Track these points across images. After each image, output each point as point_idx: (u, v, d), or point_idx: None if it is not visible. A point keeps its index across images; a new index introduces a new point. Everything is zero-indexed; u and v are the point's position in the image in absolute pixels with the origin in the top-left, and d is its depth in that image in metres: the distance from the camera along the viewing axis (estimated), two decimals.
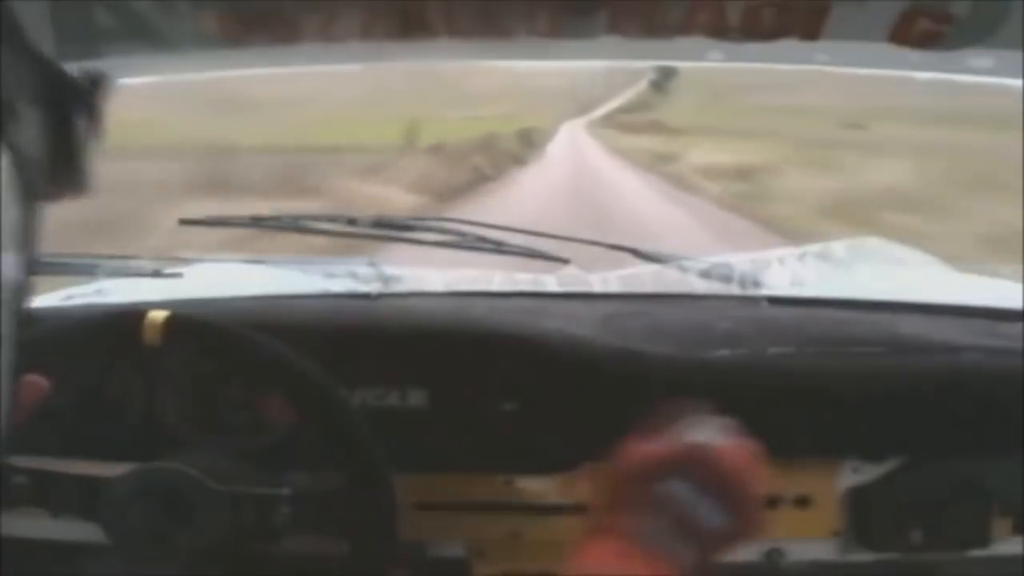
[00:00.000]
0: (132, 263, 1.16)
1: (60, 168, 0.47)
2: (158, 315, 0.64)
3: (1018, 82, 0.71)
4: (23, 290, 0.43)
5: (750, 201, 9.72)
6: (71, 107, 0.48)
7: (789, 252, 1.25)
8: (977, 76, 0.71)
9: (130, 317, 0.65)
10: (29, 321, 0.43)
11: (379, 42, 0.68)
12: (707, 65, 0.75)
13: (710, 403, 0.67)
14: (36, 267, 0.44)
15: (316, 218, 1.20)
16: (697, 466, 0.61)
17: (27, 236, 0.42)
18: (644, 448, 0.64)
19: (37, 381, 0.68)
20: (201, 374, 0.91)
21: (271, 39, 0.66)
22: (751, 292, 1.12)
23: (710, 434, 0.64)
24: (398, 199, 9.39)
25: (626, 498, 0.61)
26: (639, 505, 0.60)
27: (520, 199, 10.47)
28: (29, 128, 0.43)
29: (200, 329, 0.67)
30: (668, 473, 0.61)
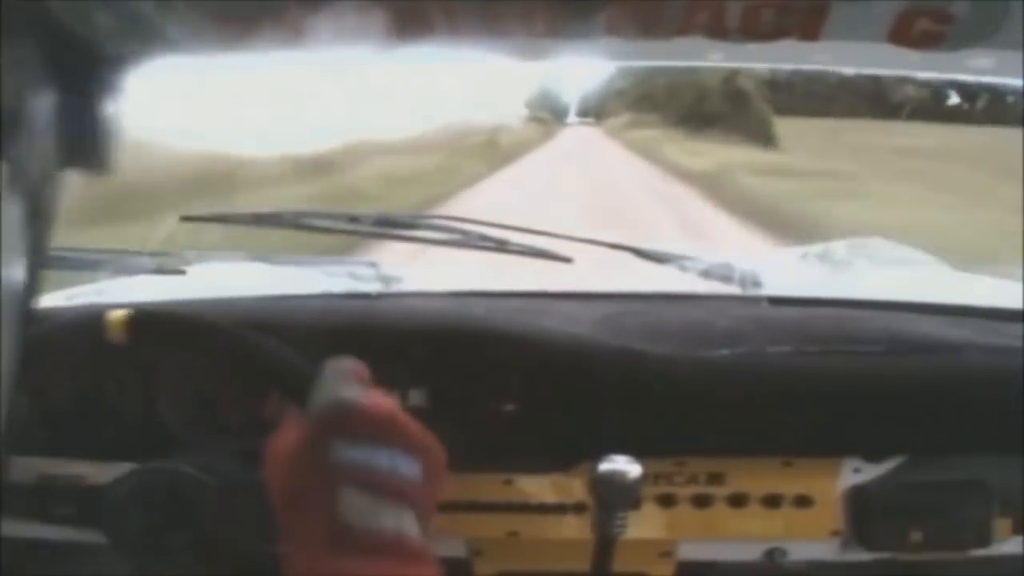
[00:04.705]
0: (134, 260, 1.16)
1: (83, 146, 0.46)
2: (119, 313, 0.65)
3: (1018, 82, 0.71)
4: (27, 292, 0.43)
5: None
6: (91, 84, 0.47)
7: (789, 252, 1.25)
8: (977, 76, 0.71)
9: (93, 317, 0.66)
10: (33, 322, 0.43)
11: (378, 42, 0.68)
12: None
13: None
14: (41, 268, 0.44)
15: (318, 215, 1.20)
16: (357, 423, 0.54)
17: (31, 238, 0.42)
18: (293, 429, 0.57)
19: None
20: (199, 373, 0.91)
21: (270, 40, 0.66)
22: (751, 292, 1.12)
23: (346, 389, 0.57)
24: None
25: (309, 489, 0.53)
26: (325, 491, 0.52)
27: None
28: (40, 118, 0.42)
29: (161, 323, 0.67)
30: (332, 442, 0.53)
